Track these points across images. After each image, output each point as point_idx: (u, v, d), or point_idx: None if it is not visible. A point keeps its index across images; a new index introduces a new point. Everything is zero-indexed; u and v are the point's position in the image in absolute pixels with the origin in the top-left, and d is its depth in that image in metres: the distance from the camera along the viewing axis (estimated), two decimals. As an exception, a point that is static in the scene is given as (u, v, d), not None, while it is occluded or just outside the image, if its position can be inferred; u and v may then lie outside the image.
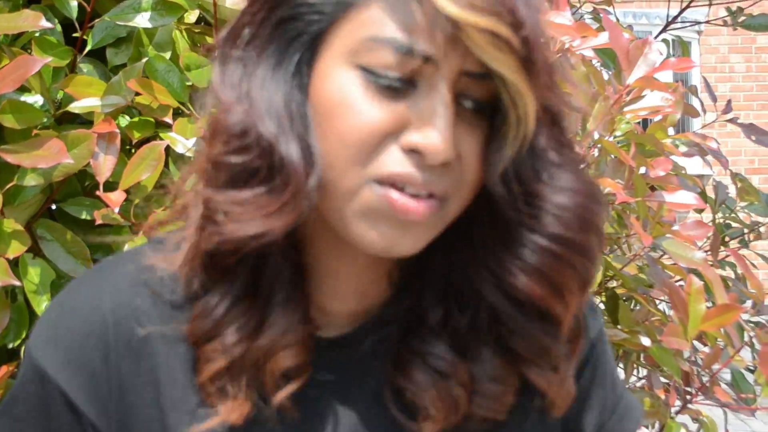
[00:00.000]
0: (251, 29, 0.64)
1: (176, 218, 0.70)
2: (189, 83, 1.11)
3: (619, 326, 1.42)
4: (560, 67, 0.65)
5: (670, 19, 2.22)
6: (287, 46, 0.63)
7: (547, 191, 0.65)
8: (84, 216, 1.09)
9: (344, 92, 0.61)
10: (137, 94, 1.07)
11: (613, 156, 1.31)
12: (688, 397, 1.45)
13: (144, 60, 1.09)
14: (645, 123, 1.47)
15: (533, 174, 0.64)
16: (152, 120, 1.11)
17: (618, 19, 1.97)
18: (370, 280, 0.71)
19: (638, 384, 1.66)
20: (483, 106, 0.63)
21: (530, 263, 0.65)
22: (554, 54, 0.63)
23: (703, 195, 1.73)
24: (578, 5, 2.09)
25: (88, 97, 1.06)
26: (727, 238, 1.99)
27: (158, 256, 0.68)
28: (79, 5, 1.10)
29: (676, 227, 1.34)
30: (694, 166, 1.69)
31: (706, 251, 1.70)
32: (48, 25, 0.98)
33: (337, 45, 0.62)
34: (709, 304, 1.26)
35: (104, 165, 1.03)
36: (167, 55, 1.13)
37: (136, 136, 1.10)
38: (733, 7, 2.16)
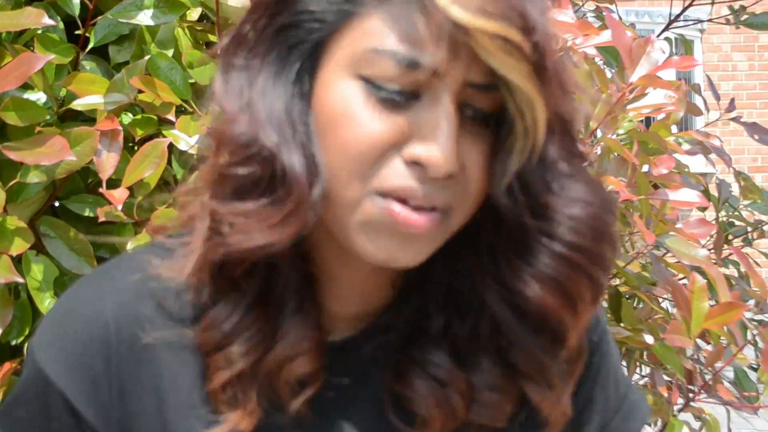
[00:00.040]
0: (252, 37, 0.64)
1: (182, 231, 0.70)
2: (191, 81, 1.11)
3: (622, 324, 1.42)
4: (569, 71, 0.63)
5: (672, 18, 2.21)
6: (288, 54, 0.63)
7: (558, 202, 0.63)
8: (87, 213, 1.09)
9: (346, 103, 0.60)
10: (140, 91, 1.07)
11: (616, 154, 1.31)
12: (690, 395, 1.45)
13: (146, 57, 1.09)
14: (648, 121, 1.47)
15: (543, 184, 0.63)
16: (155, 117, 1.11)
17: (620, 18, 1.96)
18: (374, 286, 0.71)
19: (641, 382, 1.66)
20: (488, 117, 0.61)
21: (543, 272, 0.64)
22: (560, 54, 0.62)
23: (706, 193, 1.73)
24: (581, 3, 2.09)
25: (91, 95, 1.06)
26: (730, 237, 1.99)
27: (164, 265, 0.68)
28: (82, 3, 1.10)
29: (679, 225, 1.34)
30: (697, 164, 1.69)
31: (709, 249, 1.70)
32: (50, 22, 0.98)
33: (339, 54, 0.61)
34: (712, 302, 1.26)
35: (107, 162, 1.03)
36: (170, 52, 1.13)
37: (139, 133, 1.10)
38: (736, 6, 2.15)
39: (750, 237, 2.00)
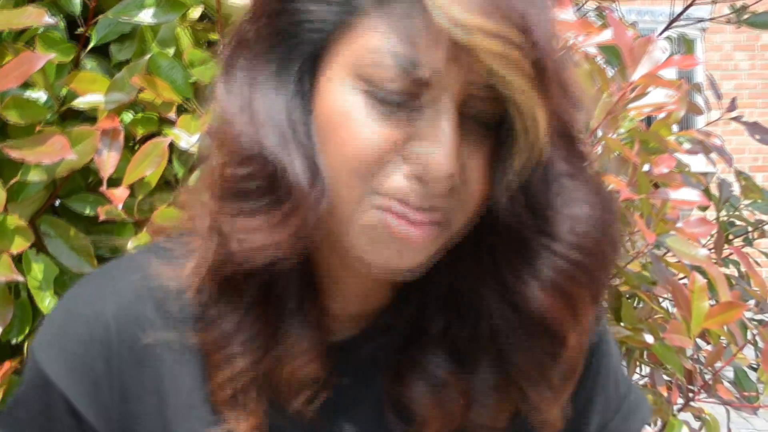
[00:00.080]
0: (253, 38, 0.64)
1: (181, 232, 0.70)
2: (192, 79, 1.11)
3: (622, 323, 1.42)
4: (571, 71, 0.63)
5: (674, 17, 2.21)
6: (289, 57, 0.63)
7: (558, 203, 0.63)
8: (87, 212, 1.09)
9: (346, 106, 0.60)
10: (141, 90, 1.07)
11: (616, 153, 1.31)
12: (690, 394, 1.45)
13: (147, 56, 1.09)
14: (649, 120, 1.47)
15: (544, 185, 0.63)
16: (156, 116, 1.11)
17: (622, 16, 1.96)
18: (374, 286, 0.71)
19: (641, 381, 1.66)
20: (489, 119, 0.61)
21: (544, 273, 0.64)
22: (561, 54, 0.61)
23: (707, 193, 1.73)
24: (582, 2, 2.09)
25: (92, 94, 1.06)
26: (730, 236, 1.98)
27: (164, 266, 0.68)
28: (83, 1, 1.10)
29: (679, 224, 1.34)
30: (697, 163, 1.68)
31: (709, 249, 1.70)
32: (52, 21, 0.98)
33: (340, 57, 0.61)
34: (713, 302, 1.26)
35: (108, 161, 1.03)
36: (171, 51, 1.13)
37: (140, 132, 1.10)
38: (737, 5, 2.15)
39: (751, 237, 2.00)
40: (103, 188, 1.02)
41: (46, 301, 1.01)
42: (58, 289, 1.03)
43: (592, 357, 0.76)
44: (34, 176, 1.00)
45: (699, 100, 2.04)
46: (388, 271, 0.63)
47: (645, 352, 1.55)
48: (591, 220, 0.64)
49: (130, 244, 1.01)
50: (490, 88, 0.59)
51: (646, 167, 1.32)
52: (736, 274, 1.83)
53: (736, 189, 1.93)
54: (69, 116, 1.11)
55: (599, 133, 1.27)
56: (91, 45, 1.11)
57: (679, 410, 1.46)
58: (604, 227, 0.65)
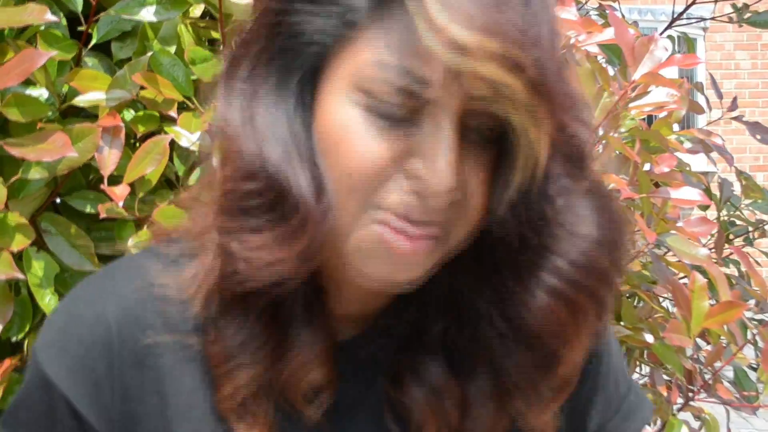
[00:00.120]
0: (253, 52, 0.63)
1: (185, 237, 0.69)
2: (194, 77, 1.11)
3: (622, 323, 1.42)
4: (576, 85, 0.62)
5: (675, 16, 2.21)
6: (288, 70, 0.62)
7: (561, 221, 0.62)
8: (88, 210, 1.09)
9: (345, 121, 0.59)
10: (142, 88, 1.07)
11: (617, 152, 1.31)
12: (690, 394, 1.45)
13: (149, 54, 1.09)
14: (650, 119, 1.47)
15: (546, 200, 0.62)
16: (157, 114, 1.11)
17: (623, 15, 1.96)
18: (375, 289, 0.71)
19: (641, 381, 1.66)
20: (490, 133, 0.60)
21: (543, 287, 0.63)
22: (565, 69, 0.60)
23: (707, 192, 1.73)
24: (584, 1, 2.09)
25: (93, 91, 1.06)
26: (731, 236, 1.99)
27: (166, 272, 0.67)
28: (84, -1, 1.10)
29: (680, 224, 1.34)
30: (698, 163, 1.68)
31: (710, 248, 1.70)
32: (53, 18, 0.98)
33: (339, 71, 0.60)
34: (713, 302, 1.26)
35: (109, 159, 1.03)
36: (172, 49, 1.13)
37: (141, 130, 1.10)
38: (739, 4, 2.15)
39: (751, 236, 2.00)
40: (104, 186, 1.02)
41: (47, 299, 1.02)
42: (58, 287, 1.03)
43: (592, 357, 0.76)
44: (35, 174, 1.00)
45: (700, 99, 2.04)
46: (386, 285, 0.63)
47: (645, 352, 1.55)
48: (594, 241, 0.63)
49: (131, 242, 1.01)
50: (491, 101, 0.58)
51: (647, 166, 1.32)
52: (736, 273, 1.83)
53: (737, 188, 1.93)
54: (70, 114, 1.11)
55: (600, 132, 1.27)
56: (93, 42, 1.11)
57: (679, 410, 1.46)
58: (608, 248, 0.64)
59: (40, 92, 1.08)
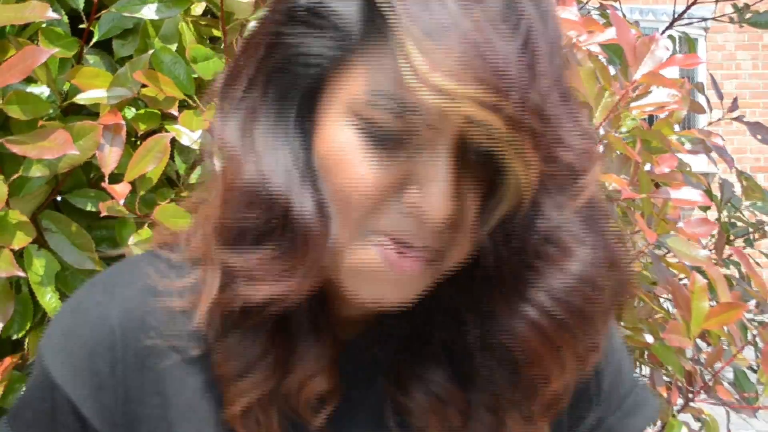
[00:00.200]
0: (250, 73, 0.63)
1: (186, 241, 0.69)
2: (195, 75, 1.11)
3: (622, 323, 1.42)
4: (571, 118, 0.60)
5: (676, 16, 2.21)
6: (286, 92, 0.62)
7: (549, 253, 0.61)
8: (89, 208, 1.09)
9: (342, 144, 0.59)
10: (143, 85, 1.07)
11: (618, 152, 1.31)
12: (690, 395, 1.45)
13: (150, 52, 1.09)
14: (651, 119, 1.47)
15: (532, 235, 0.61)
16: (158, 112, 1.11)
17: (624, 15, 1.96)
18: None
19: (641, 382, 1.66)
20: (488, 154, 0.59)
21: (520, 324, 0.62)
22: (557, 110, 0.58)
23: (708, 193, 1.73)
24: (585, 1, 2.09)
25: (95, 89, 1.06)
26: (731, 237, 1.99)
27: (171, 280, 0.67)
28: (86, -4, 1.10)
29: (680, 225, 1.34)
30: (699, 163, 1.68)
31: (710, 249, 1.70)
32: (55, 16, 0.98)
33: (336, 95, 0.60)
34: (713, 303, 1.26)
35: (110, 157, 1.03)
36: (173, 47, 1.13)
37: (142, 127, 1.10)
38: (740, 4, 2.15)
39: (751, 237, 2.00)
40: (105, 184, 1.02)
41: (47, 297, 1.02)
42: (59, 285, 1.03)
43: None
44: (36, 171, 1.00)
45: (701, 99, 2.04)
46: (378, 306, 0.63)
47: (645, 352, 1.55)
48: (579, 277, 0.62)
49: (132, 240, 1.01)
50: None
51: (647, 166, 1.32)
52: (736, 274, 1.83)
53: (738, 189, 1.93)
54: (71, 111, 1.11)
55: (601, 132, 1.27)
56: (94, 40, 1.11)
57: (679, 411, 1.46)
58: (594, 288, 0.62)
59: (42, 90, 1.08)
